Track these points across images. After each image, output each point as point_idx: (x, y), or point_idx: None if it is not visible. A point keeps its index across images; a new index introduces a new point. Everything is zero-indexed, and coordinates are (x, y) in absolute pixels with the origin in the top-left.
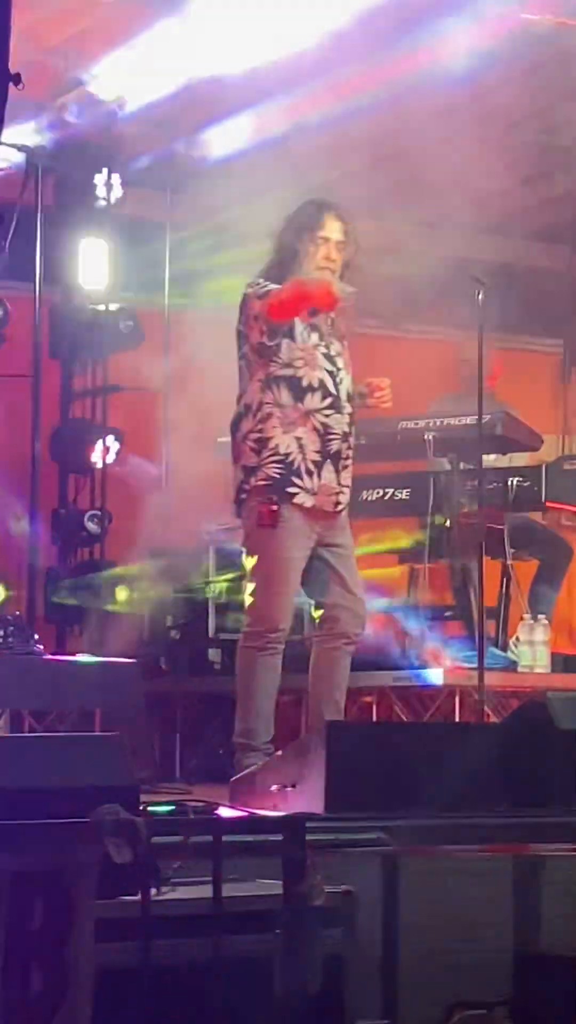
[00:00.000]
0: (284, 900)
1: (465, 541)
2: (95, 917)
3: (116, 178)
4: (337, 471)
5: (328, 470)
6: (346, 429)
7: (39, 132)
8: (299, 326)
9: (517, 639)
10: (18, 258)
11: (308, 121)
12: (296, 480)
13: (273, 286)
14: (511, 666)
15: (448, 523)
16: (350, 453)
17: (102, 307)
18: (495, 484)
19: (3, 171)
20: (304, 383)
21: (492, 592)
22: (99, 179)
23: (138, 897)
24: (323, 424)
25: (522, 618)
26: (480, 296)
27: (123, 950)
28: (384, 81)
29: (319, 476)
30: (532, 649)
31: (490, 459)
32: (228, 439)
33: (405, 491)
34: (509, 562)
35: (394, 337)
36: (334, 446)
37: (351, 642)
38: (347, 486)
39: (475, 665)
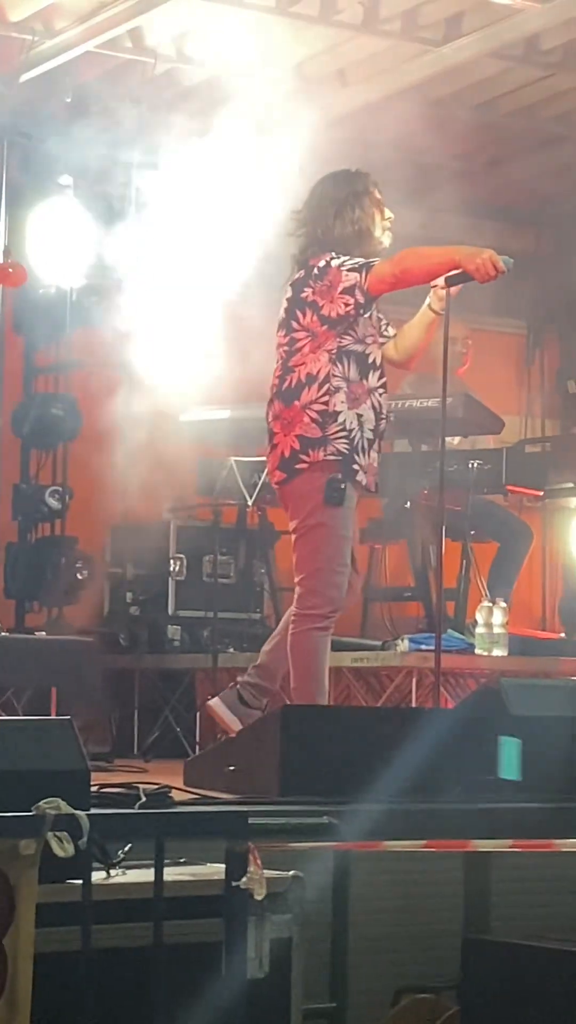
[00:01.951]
0: (226, 892)
1: (425, 522)
2: (37, 903)
3: (82, 153)
4: (379, 451)
5: (375, 449)
6: (387, 410)
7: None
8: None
9: (475, 622)
10: None
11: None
12: (357, 457)
13: (359, 260)
14: (468, 648)
15: (408, 504)
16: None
17: (66, 283)
18: (456, 467)
19: None
20: (370, 360)
21: (452, 574)
22: (65, 154)
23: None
24: (378, 403)
25: (481, 600)
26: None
27: (65, 936)
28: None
29: (369, 455)
30: (490, 632)
31: (453, 442)
32: (191, 418)
33: None
34: (469, 544)
35: None
36: (382, 426)
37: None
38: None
39: (433, 647)
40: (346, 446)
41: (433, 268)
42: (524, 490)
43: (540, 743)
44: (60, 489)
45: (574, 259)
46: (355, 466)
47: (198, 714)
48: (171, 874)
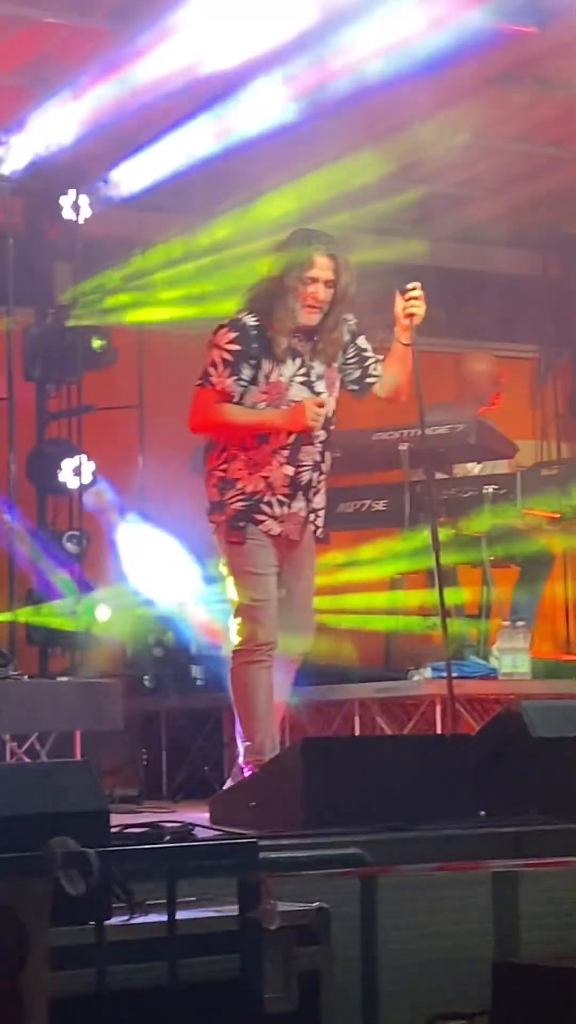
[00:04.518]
0: (239, 924)
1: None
2: (50, 946)
3: (84, 198)
4: (308, 499)
5: (299, 499)
6: (318, 458)
7: (5, 156)
8: (266, 365)
9: (498, 647)
10: None
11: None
12: (265, 509)
13: (232, 383)
14: (491, 674)
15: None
16: (322, 478)
17: (74, 327)
18: (471, 492)
19: None
20: None
21: (473, 599)
22: (67, 200)
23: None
24: (295, 460)
25: (502, 625)
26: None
27: (82, 978)
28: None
29: (289, 507)
30: (513, 656)
31: (473, 469)
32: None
33: (381, 502)
34: (489, 570)
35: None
36: (304, 477)
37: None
38: (320, 508)
39: (454, 675)
40: (244, 505)
41: (238, 428)
42: (541, 513)
43: (563, 764)
44: (77, 534)
45: None
46: (259, 516)
47: (225, 752)
48: (190, 912)
